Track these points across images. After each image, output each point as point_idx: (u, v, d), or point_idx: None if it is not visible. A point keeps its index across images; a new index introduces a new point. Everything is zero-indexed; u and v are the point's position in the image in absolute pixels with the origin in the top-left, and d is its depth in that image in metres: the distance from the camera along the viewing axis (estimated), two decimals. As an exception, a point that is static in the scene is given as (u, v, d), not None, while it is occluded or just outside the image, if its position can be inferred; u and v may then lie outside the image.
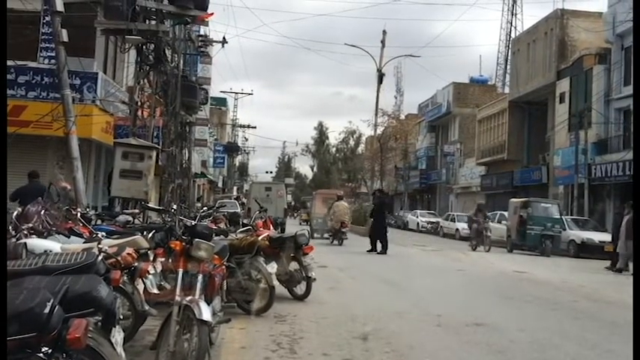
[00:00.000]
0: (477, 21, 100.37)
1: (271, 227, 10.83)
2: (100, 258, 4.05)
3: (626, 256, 15.84)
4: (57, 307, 3.03)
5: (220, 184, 56.91)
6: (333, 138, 67.23)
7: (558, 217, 22.83)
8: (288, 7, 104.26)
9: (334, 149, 65.51)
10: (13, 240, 5.37)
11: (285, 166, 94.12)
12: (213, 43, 30.02)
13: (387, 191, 34.98)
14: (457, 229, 32.01)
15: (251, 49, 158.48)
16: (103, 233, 6.83)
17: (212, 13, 16.52)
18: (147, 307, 5.68)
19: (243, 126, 65.87)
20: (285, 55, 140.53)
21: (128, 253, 5.19)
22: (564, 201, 28.29)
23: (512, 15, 53.11)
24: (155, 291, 6.21)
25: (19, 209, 6.56)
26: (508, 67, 46.18)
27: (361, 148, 61.40)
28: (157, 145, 15.10)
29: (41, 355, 2.98)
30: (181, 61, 19.40)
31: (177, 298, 4.61)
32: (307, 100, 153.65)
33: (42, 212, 6.60)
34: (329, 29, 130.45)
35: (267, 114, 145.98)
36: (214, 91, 48.16)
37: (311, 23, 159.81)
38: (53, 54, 12.23)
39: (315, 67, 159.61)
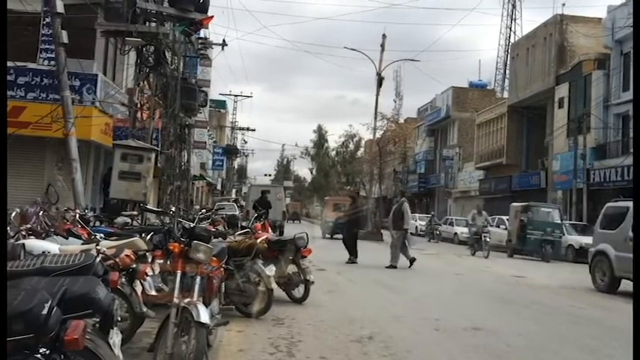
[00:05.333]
0: (477, 26, 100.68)
1: (269, 230, 10.83)
2: (98, 259, 4.04)
3: (397, 249, 15.42)
4: (55, 308, 3.02)
5: (219, 187, 56.86)
6: (333, 141, 67.25)
7: (559, 222, 22.71)
8: (289, 10, 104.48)
9: (334, 152, 65.53)
10: (12, 241, 5.36)
11: (284, 169, 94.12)
12: (213, 46, 30.01)
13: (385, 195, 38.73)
14: (456, 233, 32.03)
15: (252, 52, 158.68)
16: (102, 235, 6.82)
17: (212, 17, 16.46)
18: (145, 309, 5.67)
19: (243, 128, 65.97)
20: (286, 59, 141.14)
21: (126, 255, 5.18)
22: (563, 206, 28.32)
23: (512, 20, 53.29)
24: (153, 293, 6.19)
25: (18, 210, 6.56)
26: (507, 71, 46.27)
27: (361, 151, 61.39)
28: (156, 147, 15.08)
29: (39, 356, 2.97)
30: (181, 64, 19.38)
31: (176, 300, 4.61)
32: (309, 104, 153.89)
33: (40, 213, 6.61)
34: (331, 33, 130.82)
35: (267, 117, 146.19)
36: (214, 93, 48.26)
37: (312, 27, 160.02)
38: (53, 55, 12.22)
39: (317, 71, 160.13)
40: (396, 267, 15.00)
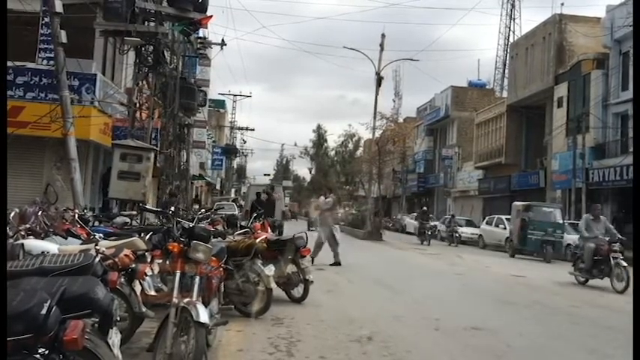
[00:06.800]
0: (476, 25, 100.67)
1: (269, 230, 10.82)
2: (97, 259, 4.03)
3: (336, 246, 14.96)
4: (54, 308, 3.01)
5: (218, 187, 56.87)
6: (332, 141, 67.36)
7: (561, 221, 22.61)
8: (289, 10, 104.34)
9: (333, 152, 65.62)
10: (11, 241, 5.35)
11: (283, 169, 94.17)
12: (212, 46, 29.99)
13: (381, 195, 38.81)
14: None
15: (251, 51, 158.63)
16: (101, 235, 6.81)
17: (211, 16, 16.46)
18: (144, 309, 5.66)
19: (242, 128, 65.99)
20: (286, 59, 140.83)
21: (125, 255, 5.17)
22: (561, 205, 28.34)
23: (511, 19, 53.37)
24: (152, 293, 6.18)
25: (17, 210, 6.55)
26: (506, 71, 46.31)
27: (360, 151, 61.47)
28: (155, 147, 15.09)
29: (38, 356, 2.96)
30: (180, 63, 19.39)
31: (175, 300, 4.60)
32: (309, 104, 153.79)
33: (39, 213, 6.59)
34: (331, 33, 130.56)
35: (267, 117, 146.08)
36: (213, 93, 48.22)
37: (312, 27, 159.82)
38: (52, 55, 12.22)
39: (317, 71, 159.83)
40: (340, 264, 14.56)
